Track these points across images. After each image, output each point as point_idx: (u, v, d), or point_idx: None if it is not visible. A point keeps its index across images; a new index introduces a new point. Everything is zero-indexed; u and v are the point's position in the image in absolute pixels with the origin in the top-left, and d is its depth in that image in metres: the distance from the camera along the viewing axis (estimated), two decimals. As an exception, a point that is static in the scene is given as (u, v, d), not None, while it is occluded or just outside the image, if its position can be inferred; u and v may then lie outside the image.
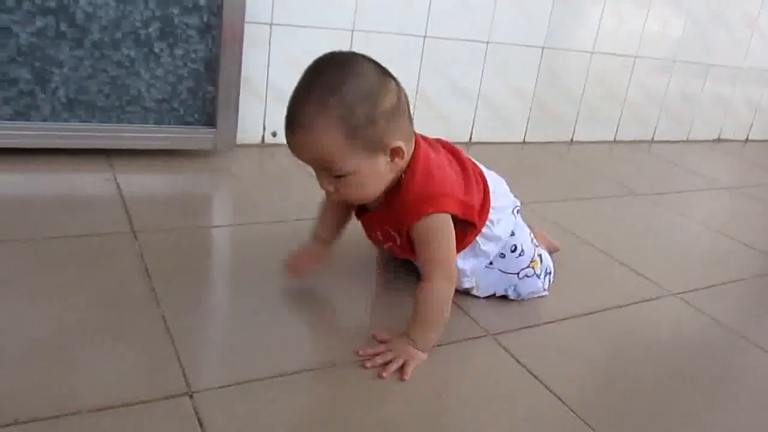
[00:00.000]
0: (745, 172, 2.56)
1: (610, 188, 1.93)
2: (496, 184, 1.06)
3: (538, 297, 1.13)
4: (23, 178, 1.32)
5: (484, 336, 1.01)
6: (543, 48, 2.17)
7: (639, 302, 1.20)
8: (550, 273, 1.15)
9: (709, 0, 2.51)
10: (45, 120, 1.41)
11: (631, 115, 2.54)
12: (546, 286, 1.13)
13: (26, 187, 1.29)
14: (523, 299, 1.11)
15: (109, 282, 0.99)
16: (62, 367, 0.79)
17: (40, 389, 0.75)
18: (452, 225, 0.92)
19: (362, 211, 1.01)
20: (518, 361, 0.95)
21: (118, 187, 1.34)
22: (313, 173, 0.90)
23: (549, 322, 1.08)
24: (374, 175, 0.87)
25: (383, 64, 0.89)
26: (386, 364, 0.87)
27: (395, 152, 0.87)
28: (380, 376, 0.86)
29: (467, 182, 0.97)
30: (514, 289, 1.09)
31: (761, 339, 1.13)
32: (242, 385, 0.81)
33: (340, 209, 1.05)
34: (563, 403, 0.87)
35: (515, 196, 1.10)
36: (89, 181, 1.36)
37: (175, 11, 1.42)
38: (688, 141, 2.80)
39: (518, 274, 1.08)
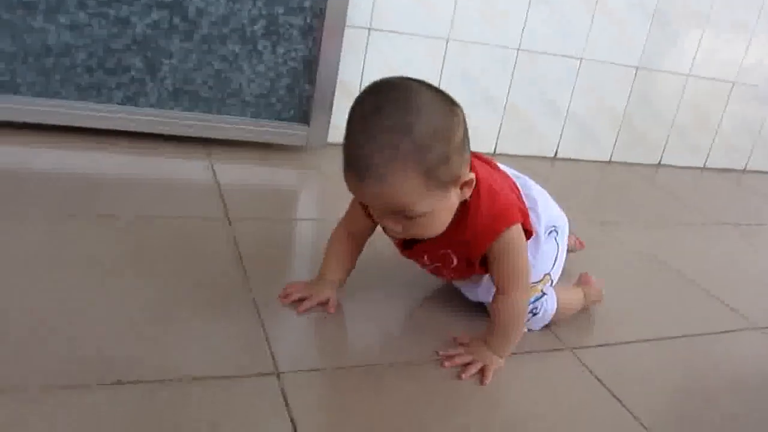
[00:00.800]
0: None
1: (697, 216, 1.88)
2: (544, 198, 1.04)
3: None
4: (129, 160, 1.40)
5: (563, 349, 1.01)
6: (637, 68, 2.13)
7: (722, 332, 1.17)
8: (536, 315, 1.00)
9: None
10: (152, 106, 1.49)
11: (722, 143, 2.46)
12: (530, 326, 1.01)
13: (131, 168, 1.37)
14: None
15: (206, 264, 1.04)
16: (164, 336, 0.84)
17: (142, 355, 0.80)
18: (523, 235, 0.90)
19: (407, 245, 0.95)
20: (597, 378, 0.94)
21: (215, 175, 1.40)
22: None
23: (629, 342, 1.07)
24: (446, 211, 0.83)
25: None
26: (465, 365, 0.89)
27: (466, 184, 0.83)
28: (459, 377, 0.87)
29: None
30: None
31: None
32: (327, 371, 0.85)
33: (354, 247, 0.99)
34: (642, 425, 0.86)
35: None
36: (189, 168, 1.43)
37: (281, 11, 1.48)
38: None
39: None
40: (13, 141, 1.37)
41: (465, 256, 0.92)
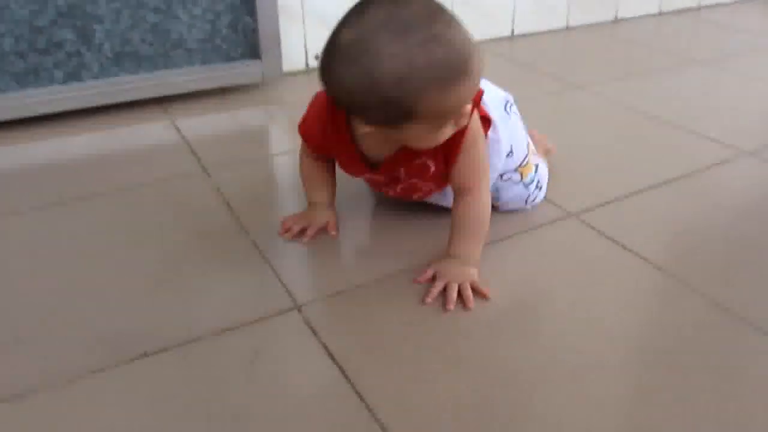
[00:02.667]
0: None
1: (663, 60, 1.87)
2: (498, 96, 0.96)
3: (520, 211, 1.02)
4: (87, 138, 1.35)
5: (567, 218, 1.01)
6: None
7: (715, 165, 1.18)
8: (540, 188, 1.02)
9: None
10: (96, 78, 1.43)
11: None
12: (532, 200, 1.01)
13: (94, 145, 1.32)
14: (499, 209, 1.00)
15: (197, 219, 1.02)
16: (177, 299, 0.83)
17: (162, 322, 0.79)
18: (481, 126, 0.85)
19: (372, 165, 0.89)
20: (608, 237, 0.95)
21: (179, 131, 1.36)
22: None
23: (629, 195, 1.07)
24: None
25: None
26: (443, 292, 0.83)
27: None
28: (445, 310, 0.80)
29: None
30: (497, 191, 0.99)
31: None
32: (344, 292, 0.84)
33: (327, 170, 0.97)
34: (660, 269, 0.87)
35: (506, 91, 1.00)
36: (150, 130, 1.38)
37: (203, -55, 1.40)
38: (738, 2, 2.66)
39: (502, 176, 0.97)
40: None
41: (443, 153, 0.85)
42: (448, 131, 0.76)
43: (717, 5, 2.58)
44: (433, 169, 0.87)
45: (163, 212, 1.04)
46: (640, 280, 0.86)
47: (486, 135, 0.88)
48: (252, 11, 1.49)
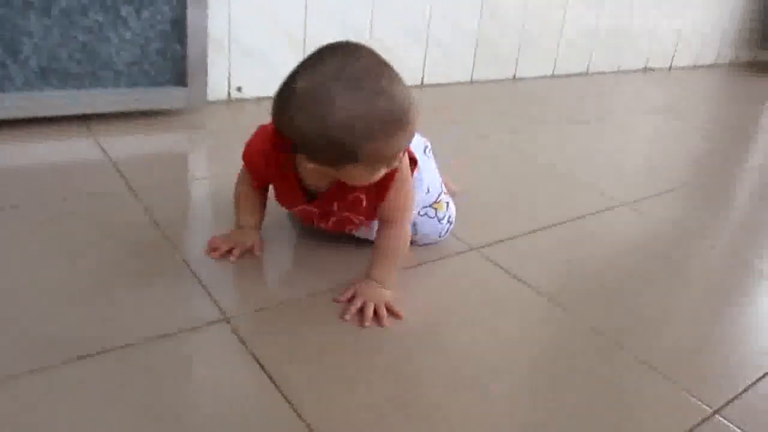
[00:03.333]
0: (671, 95, 2.75)
1: (553, 117, 2.09)
2: (417, 139, 1.07)
3: (432, 244, 1.13)
4: (8, 150, 1.35)
5: (468, 251, 1.14)
6: (483, -11, 2.27)
7: (598, 212, 1.36)
8: (451, 223, 1.13)
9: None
10: (19, 90, 1.44)
11: (568, 49, 2.68)
12: (443, 234, 1.12)
13: (11, 157, 1.33)
14: (415, 242, 1.08)
15: (126, 236, 1.06)
16: (111, 308, 0.87)
17: (96, 328, 0.83)
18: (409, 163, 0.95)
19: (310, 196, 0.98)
20: (503, 269, 1.08)
21: (103, 150, 1.39)
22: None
23: (524, 234, 1.22)
24: None
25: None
26: (360, 310, 0.91)
27: None
28: (361, 326, 0.89)
29: None
30: (415, 225, 1.07)
31: (703, 233, 1.30)
32: (270, 307, 0.92)
33: (260, 197, 1.05)
34: (541, 293, 1.01)
35: (424, 137, 1.14)
36: (74, 147, 1.40)
37: (139, -26, 1.46)
38: (620, 71, 2.98)
39: (419, 212, 1.08)
40: None
41: (375, 187, 0.93)
42: (382, 172, 0.86)
43: (602, 72, 2.88)
44: (365, 203, 0.97)
45: (90, 228, 1.07)
46: (530, 306, 1.00)
47: (412, 175, 0.99)
48: (182, 39, 1.56)
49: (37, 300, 0.87)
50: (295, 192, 0.97)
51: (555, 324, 0.96)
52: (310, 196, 0.98)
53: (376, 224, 1.02)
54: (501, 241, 1.18)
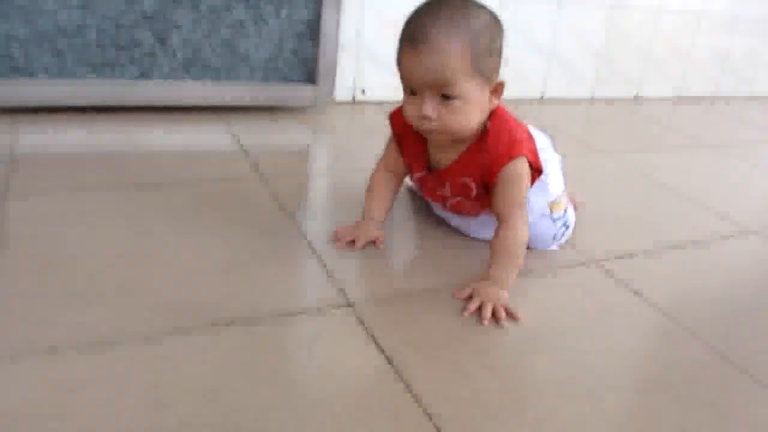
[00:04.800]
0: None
1: (678, 140, 2.01)
2: (541, 138, 1.10)
3: (547, 250, 1.13)
4: (151, 134, 1.46)
5: (587, 263, 1.12)
6: (611, 6, 2.23)
7: (723, 238, 1.30)
8: (567, 227, 1.13)
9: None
10: (164, 79, 1.55)
11: (695, 72, 2.59)
12: (558, 238, 1.13)
13: (154, 141, 1.43)
14: (528, 245, 1.04)
15: (257, 218, 1.12)
16: (242, 282, 0.93)
17: (228, 299, 0.89)
18: (529, 172, 0.98)
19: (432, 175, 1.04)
20: (624, 284, 1.06)
21: (236, 139, 1.47)
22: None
23: (645, 251, 1.18)
24: (479, 106, 0.92)
25: None
26: (478, 309, 0.93)
27: (497, 89, 0.94)
28: (482, 324, 0.90)
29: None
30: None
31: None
32: (392, 297, 0.94)
33: (391, 186, 1.11)
34: (661, 311, 0.98)
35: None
36: (209, 135, 1.49)
37: (282, -24, 1.54)
38: (749, 98, 2.84)
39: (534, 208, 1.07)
40: (36, 124, 1.42)
41: (483, 180, 1.00)
42: (490, 103, 0.94)
43: (730, 98, 2.75)
44: (474, 191, 1.01)
45: (224, 208, 1.14)
46: (651, 324, 0.97)
47: (533, 182, 1.01)
48: (315, 40, 1.63)
49: (177, 270, 0.94)
50: (421, 159, 1.05)
51: (676, 344, 0.93)
52: (432, 168, 1.05)
53: (491, 223, 1.04)
54: (622, 256, 1.16)
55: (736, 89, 2.77)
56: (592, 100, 2.36)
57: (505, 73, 0.94)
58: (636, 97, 2.48)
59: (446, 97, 0.89)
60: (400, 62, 0.91)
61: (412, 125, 0.97)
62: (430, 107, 0.90)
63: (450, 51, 0.86)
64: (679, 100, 2.58)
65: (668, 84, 2.55)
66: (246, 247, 1.02)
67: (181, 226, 1.06)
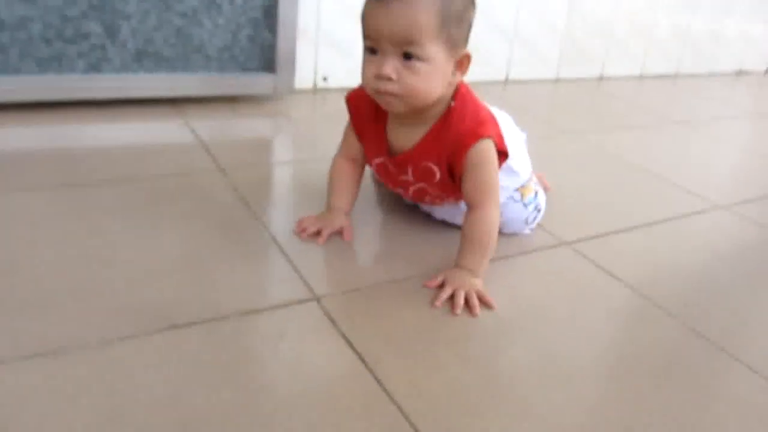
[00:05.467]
0: (765, 100, 2.62)
1: (645, 118, 2.01)
2: (504, 119, 1.05)
3: (519, 234, 1.10)
4: (103, 129, 1.40)
5: (560, 245, 1.10)
6: (572, -15, 2.22)
7: (693, 214, 1.29)
8: (539, 211, 1.11)
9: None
10: (116, 72, 1.48)
11: (657, 50, 2.59)
12: (531, 222, 1.10)
13: (109, 136, 1.37)
14: (501, 230, 1.02)
15: (216, 212, 1.07)
16: (203, 280, 0.88)
17: (188, 299, 0.84)
18: (495, 153, 0.94)
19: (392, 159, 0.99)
20: (599, 266, 1.04)
21: (193, 131, 1.42)
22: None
23: (618, 231, 1.17)
24: (441, 75, 0.86)
25: None
26: (451, 298, 0.90)
27: (462, 62, 0.89)
28: (453, 313, 0.87)
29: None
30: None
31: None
32: (360, 290, 0.91)
33: (354, 174, 1.06)
34: (635, 291, 0.96)
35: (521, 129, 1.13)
36: (165, 128, 1.43)
37: (235, -40, 1.48)
38: (710, 74, 2.86)
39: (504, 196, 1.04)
40: (-18, 122, 1.34)
41: (447, 163, 0.94)
42: (453, 76, 0.89)
43: (691, 75, 2.76)
44: (438, 175, 0.96)
45: (182, 202, 1.09)
46: (626, 304, 0.95)
47: (501, 165, 0.96)
48: (272, 27, 1.57)
49: (131, 270, 0.89)
50: (381, 143, 0.99)
51: (652, 324, 0.91)
52: (392, 152, 0.99)
53: (461, 207, 1.00)
54: (594, 237, 1.14)
55: (697, 66, 2.78)
56: (556, 81, 2.34)
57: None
58: (600, 77, 2.47)
59: (408, 58, 0.84)
60: (365, 16, 0.86)
61: (370, 101, 0.94)
62: (391, 65, 0.85)
63: (420, 5, 0.82)
64: (642, 79, 2.58)
65: (632, 63, 2.55)
66: (205, 243, 0.98)
67: (136, 224, 1.01)
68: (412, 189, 1.02)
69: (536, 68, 2.28)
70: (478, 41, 2.02)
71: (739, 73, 2.97)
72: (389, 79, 0.85)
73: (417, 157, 0.96)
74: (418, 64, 0.84)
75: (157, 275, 0.88)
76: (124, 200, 1.08)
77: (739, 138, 1.96)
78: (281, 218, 1.08)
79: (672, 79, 2.66)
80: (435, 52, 0.84)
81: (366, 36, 0.87)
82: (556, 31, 2.26)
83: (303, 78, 1.77)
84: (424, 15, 0.82)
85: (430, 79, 0.86)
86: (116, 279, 0.86)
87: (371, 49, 0.87)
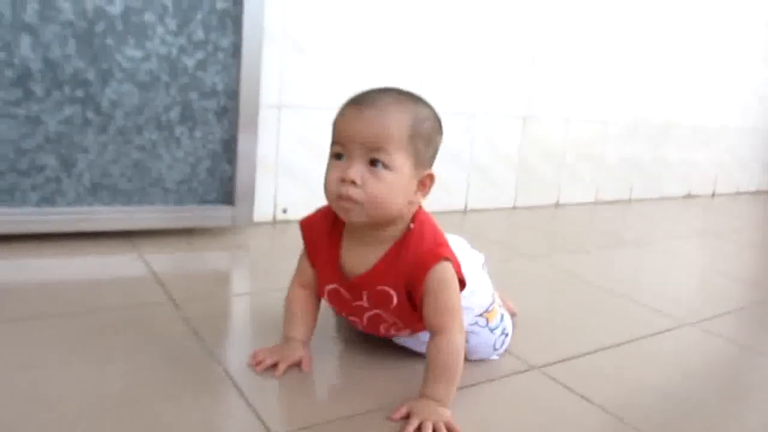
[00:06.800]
0: (715, 221, 2.70)
1: (601, 240, 2.04)
2: (459, 244, 1.05)
3: (486, 360, 1.06)
4: (53, 262, 1.35)
5: (530, 370, 1.05)
6: (524, 118, 2.32)
7: (660, 333, 1.27)
8: (506, 335, 1.08)
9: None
10: (70, 204, 1.45)
11: (609, 177, 2.69)
12: (499, 347, 1.06)
13: (59, 270, 1.32)
14: (468, 357, 1.01)
15: (166, 346, 1.01)
16: (145, 418, 0.81)
17: (130, 440, 0.77)
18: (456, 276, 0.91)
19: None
20: (570, 389, 0.99)
21: (147, 264, 1.37)
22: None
23: (585, 354, 1.13)
24: (404, 188, 0.86)
25: None
26: (418, 430, 0.83)
27: (424, 183, 0.90)
28: None
29: None
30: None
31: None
32: (317, 426, 0.84)
33: (310, 304, 1.01)
34: (609, 414, 0.92)
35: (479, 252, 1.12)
36: (118, 261, 1.39)
37: (195, 96, 1.51)
38: (662, 198, 2.96)
39: (469, 323, 1.01)
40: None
41: (405, 286, 0.90)
42: (414, 195, 0.90)
43: (643, 199, 2.86)
44: (395, 300, 0.92)
45: (129, 337, 1.03)
46: (600, 427, 0.90)
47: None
48: (232, 160, 1.58)
49: (67, 407, 0.81)
50: (334, 267, 0.95)
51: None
52: (347, 276, 0.95)
53: (422, 335, 0.97)
54: (563, 360, 1.10)
55: (648, 191, 2.88)
56: (514, 209, 2.39)
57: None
58: (557, 204, 2.54)
59: (375, 164, 0.84)
60: (336, 122, 0.88)
61: (324, 224, 0.94)
62: (356, 170, 0.84)
63: (393, 116, 0.85)
64: (597, 205, 2.66)
65: (585, 189, 2.62)
66: (152, 377, 0.91)
67: (77, 357, 0.94)
68: (366, 316, 0.97)
69: (494, 197, 2.32)
70: (437, 171, 2.07)
71: (687, 197, 3.09)
72: (353, 183, 0.84)
73: (373, 281, 0.92)
74: (383, 172, 0.84)
75: (95, 413, 0.81)
76: (67, 333, 1.02)
77: (693, 256, 1.99)
78: (236, 351, 1.03)
79: (625, 204, 2.74)
80: (401, 163, 0.85)
81: (335, 141, 0.88)
82: (511, 161, 2.33)
83: (262, 210, 1.76)
84: (396, 125, 0.85)
85: (393, 190, 0.85)
86: (47, 418, 0.79)
87: (338, 155, 0.87)
